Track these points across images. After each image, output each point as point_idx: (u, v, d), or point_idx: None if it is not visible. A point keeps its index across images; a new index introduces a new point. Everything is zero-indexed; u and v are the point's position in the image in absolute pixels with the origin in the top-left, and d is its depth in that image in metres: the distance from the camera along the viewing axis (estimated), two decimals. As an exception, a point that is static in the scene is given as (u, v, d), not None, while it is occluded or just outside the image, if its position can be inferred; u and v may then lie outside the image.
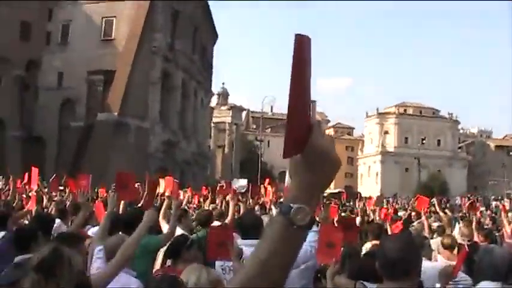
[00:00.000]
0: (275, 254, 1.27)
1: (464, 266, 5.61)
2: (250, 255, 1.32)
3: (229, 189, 15.41)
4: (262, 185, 17.97)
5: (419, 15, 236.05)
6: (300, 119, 1.28)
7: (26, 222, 9.08)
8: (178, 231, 7.96)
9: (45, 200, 11.17)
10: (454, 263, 6.49)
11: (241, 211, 9.81)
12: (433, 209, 17.36)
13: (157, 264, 6.91)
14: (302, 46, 1.27)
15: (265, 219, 6.49)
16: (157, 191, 8.53)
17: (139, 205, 11.54)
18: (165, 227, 7.78)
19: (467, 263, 5.58)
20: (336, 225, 7.31)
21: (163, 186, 12.34)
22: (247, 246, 5.00)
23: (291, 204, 1.29)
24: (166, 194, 9.15)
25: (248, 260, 1.33)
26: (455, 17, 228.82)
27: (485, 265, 4.33)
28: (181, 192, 14.79)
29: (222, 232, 7.38)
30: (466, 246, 5.33)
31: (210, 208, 12.49)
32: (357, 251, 6.59)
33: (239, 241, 5.19)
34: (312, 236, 4.96)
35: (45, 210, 10.71)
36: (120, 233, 5.76)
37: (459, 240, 8.59)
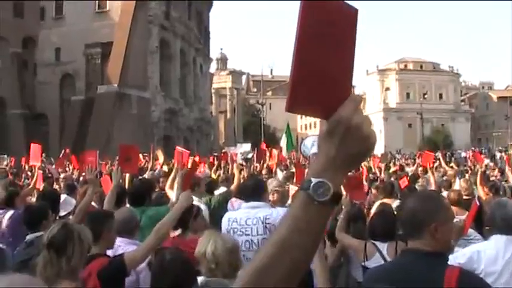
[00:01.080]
0: (295, 232, 1.19)
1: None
2: (272, 232, 1.27)
3: (228, 155, 15.49)
4: (266, 149, 17.99)
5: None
6: (319, 78, 1.20)
7: (33, 199, 9.13)
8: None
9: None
10: (462, 217, 6.49)
11: (245, 176, 9.76)
12: (438, 163, 17.31)
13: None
14: (308, 11, 1.17)
15: (273, 182, 6.50)
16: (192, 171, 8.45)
17: (144, 176, 11.63)
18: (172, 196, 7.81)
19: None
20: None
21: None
22: (249, 208, 5.04)
23: (312, 179, 1.20)
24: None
25: (269, 237, 1.28)
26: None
27: (497, 218, 4.32)
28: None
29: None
30: (476, 200, 5.28)
31: (215, 175, 12.53)
32: (362, 212, 6.61)
33: (243, 204, 5.21)
34: None
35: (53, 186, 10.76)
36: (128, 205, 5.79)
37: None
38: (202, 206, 7.68)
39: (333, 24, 1.20)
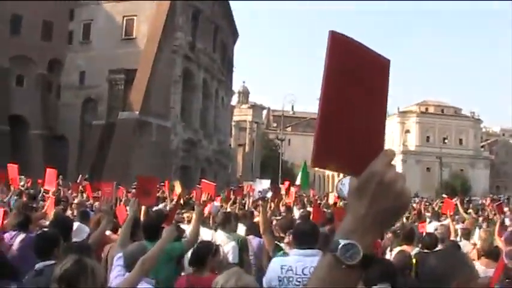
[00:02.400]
0: None
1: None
2: None
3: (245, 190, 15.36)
4: (282, 185, 17.85)
5: (439, 14, 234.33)
6: (347, 131, 1.14)
7: (46, 222, 9.10)
8: (221, 235, 7.88)
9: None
10: (491, 271, 6.32)
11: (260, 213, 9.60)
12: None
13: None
14: (336, 46, 1.12)
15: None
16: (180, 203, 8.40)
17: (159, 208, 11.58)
18: (202, 231, 7.71)
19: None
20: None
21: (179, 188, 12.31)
22: (302, 256, 4.88)
23: (340, 240, 1.13)
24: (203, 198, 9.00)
25: None
26: (476, 16, 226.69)
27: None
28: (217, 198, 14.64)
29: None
30: (504, 257, 5.13)
31: (229, 209, 12.45)
32: (374, 257, 6.43)
33: (295, 251, 5.03)
34: None
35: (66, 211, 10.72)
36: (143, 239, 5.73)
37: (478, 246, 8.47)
38: (232, 244, 7.56)
39: (362, 72, 1.16)
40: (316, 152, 1.11)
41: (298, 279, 4.73)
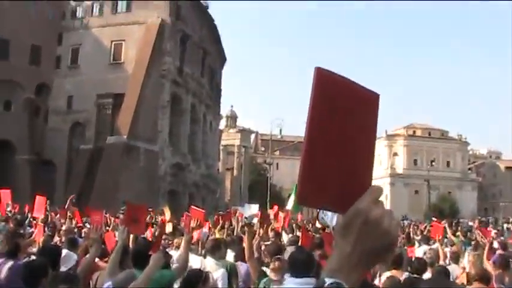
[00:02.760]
0: None
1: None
2: None
3: (233, 215, 15.35)
4: (271, 210, 17.80)
5: (424, 36, 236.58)
6: (332, 170, 1.13)
7: (34, 249, 9.04)
8: (210, 262, 7.87)
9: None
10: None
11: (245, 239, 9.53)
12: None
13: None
14: (322, 82, 1.12)
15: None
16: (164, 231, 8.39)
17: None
18: (191, 258, 7.70)
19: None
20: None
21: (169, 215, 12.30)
22: (299, 285, 4.83)
23: (326, 279, 1.10)
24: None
25: None
26: (462, 36, 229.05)
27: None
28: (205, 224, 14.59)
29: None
30: (494, 282, 5.14)
31: (219, 235, 12.43)
32: (367, 284, 6.43)
33: (290, 279, 5.01)
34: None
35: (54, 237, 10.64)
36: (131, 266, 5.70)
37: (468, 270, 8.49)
38: (221, 271, 7.55)
39: (349, 108, 1.15)
40: (301, 190, 1.11)
41: None
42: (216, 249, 8.10)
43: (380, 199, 1.14)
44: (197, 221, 8.30)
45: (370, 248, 1.11)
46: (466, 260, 10.39)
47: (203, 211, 10.65)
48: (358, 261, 1.11)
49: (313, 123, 1.11)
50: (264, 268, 7.07)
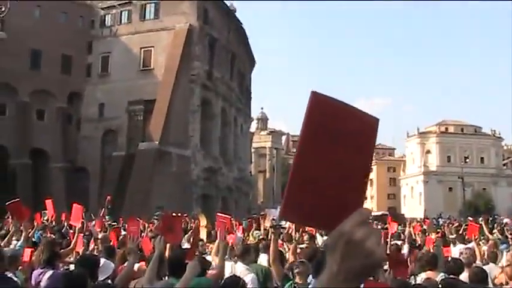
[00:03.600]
0: None
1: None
2: None
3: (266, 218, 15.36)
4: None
5: (457, 34, 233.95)
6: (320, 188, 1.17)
7: (71, 259, 9.15)
8: (240, 267, 7.92)
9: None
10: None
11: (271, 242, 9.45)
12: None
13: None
14: (317, 106, 1.17)
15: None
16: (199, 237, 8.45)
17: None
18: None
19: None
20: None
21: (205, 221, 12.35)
22: None
23: None
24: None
25: None
26: (493, 35, 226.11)
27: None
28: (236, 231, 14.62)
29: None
30: None
31: (252, 237, 12.45)
32: (407, 286, 6.39)
33: (314, 281, 5.05)
34: None
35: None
36: (166, 276, 5.76)
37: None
38: (251, 275, 7.59)
39: (344, 132, 1.19)
40: (284, 205, 1.16)
41: None
42: (245, 254, 8.15)
43: (366, 221, 1.18)
44: (226, 228, 8.37)
45: (355, 267, 1.16)
46: (504, 258, 10.23)
47: (229, 217, 10.68)
48: (345, 279, 1.16)
49: (304, 144, 1.17)
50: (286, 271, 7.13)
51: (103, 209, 20.02)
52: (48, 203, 11.70)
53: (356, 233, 1.15)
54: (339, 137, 1.18)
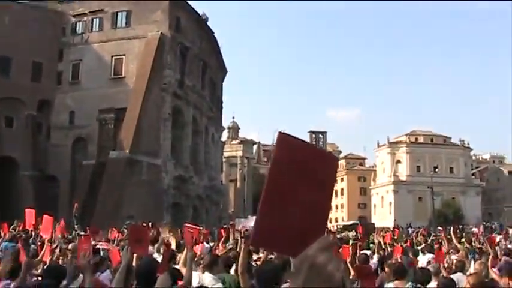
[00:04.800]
0: None
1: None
2: None
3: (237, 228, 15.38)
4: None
5: (426, 43, 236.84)
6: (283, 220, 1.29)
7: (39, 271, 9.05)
8: (208, 277, 7.93)
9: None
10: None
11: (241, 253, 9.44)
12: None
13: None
14: (283, 144, 1.32)
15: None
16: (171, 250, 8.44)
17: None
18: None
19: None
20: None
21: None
22: None
23: None
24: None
25: None
26: (461, 42, 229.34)
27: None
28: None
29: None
30: None
31: (225, 249, 12.43)
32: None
33: None
34: None
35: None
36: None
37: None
38: (218, 286, 7.60)
39: (307, 167, 1.32)
40: (254, 234, 1.29)
41: None
42: (213, 264, 8.18)
43: (328, 247, 1.28)
44: (193, 239, 8.38)
45: None
46: (472, 268, 10.35)
47: (198, 228, 10.72)
48: None
49: (271, 179, 1.30)
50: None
51: (75, 206, 19.83)
52: (29, 212, 11.53)
53: (318, 257, 1.24)
54: (304, 173, 1.31)
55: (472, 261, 11.69)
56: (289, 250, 1.31)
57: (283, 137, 1.31)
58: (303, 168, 1.31)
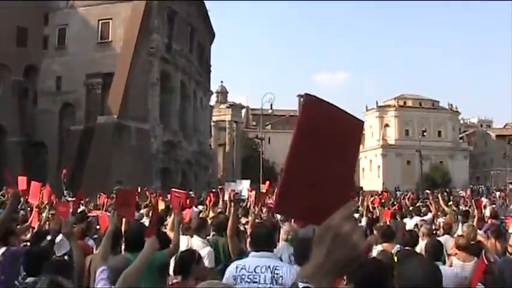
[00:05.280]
0: None
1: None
2: None
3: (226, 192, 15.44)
4: (263, 185, 17.79)
5: (415, 6, 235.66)
6: (305, 186, 1.25)
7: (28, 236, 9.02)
8: (196, 240, 7.96)
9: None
10: (470, 263, 6.38)
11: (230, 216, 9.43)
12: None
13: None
14: (310, 108, 1.27)
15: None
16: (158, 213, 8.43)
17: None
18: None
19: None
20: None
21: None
22: (258, 257, 5.00)
23: (299, 283, 1.25)
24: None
25: None
26: (453, 6, 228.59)
27: (507, 276, 4.22)
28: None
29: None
30: (484, 257, 5.12)
31: (213, 212, 12.47)
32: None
33: (253, 253, 5.12)
34: None
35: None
36: (123, 250, 5.72)
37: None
38: (207, 249, 7.63)
39: (334, 132, 1.29)
40: (278, 200, 1.26)
41: (249, 277, 4.87)
42: (202, 228, 8.22)
43: (352, 216, 1.27)
44: (180, 203, 8.39)
45: (340, 259, 1.24)
46: (460, 230, 10.44)
47: (184, 192, 10.73)
48: (329, 270, 1.24)
49: (297, 141, 1.25)
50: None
51: (63, 172, 19.80)
52: (21, 180, 11.42)
53: (343, 227, 1.22)
54: (329, 139, 1.27)
55: (460, 224, 11.79)
56: (312, 218, 1.28)
57: (310, 100, 1.26)
58: (329, 134, 1.27)
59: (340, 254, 1.22)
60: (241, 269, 4.94)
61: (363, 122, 1.33)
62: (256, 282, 4.82)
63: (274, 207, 1.30)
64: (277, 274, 4.81)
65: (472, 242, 7.87)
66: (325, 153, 1.26)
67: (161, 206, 12.58)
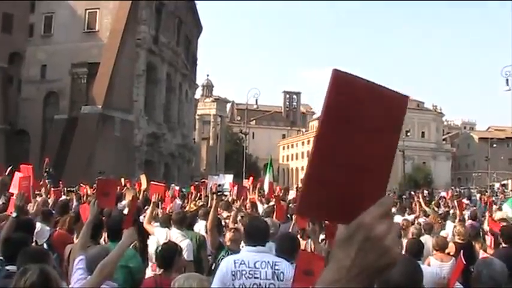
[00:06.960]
0: None
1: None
2: None
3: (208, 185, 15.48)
4: (247, 180, 17.80)
5: (404, 4, 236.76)
6: (332, 182, 1.02)
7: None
8: (175, 233, 7.99)
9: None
10: (447, 263, 6.45)
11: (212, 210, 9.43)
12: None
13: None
14: (338, 85, 1.01)
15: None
16: (136, 206, 8.40)
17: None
18: (157, 230, 8.08)
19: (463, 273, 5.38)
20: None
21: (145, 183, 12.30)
22: (255, 252, 4.98)
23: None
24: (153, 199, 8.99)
25: None
26: (439, 5, 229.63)
27: (484, 278, 4.24)
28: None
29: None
30: (462, 257, 5.13)
31: (195, 206, 12.46)
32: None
33: (248, 247, 5.10)
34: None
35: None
36: (103, 239, 5.70)
37: (455, 239, 8.64)
38: (186, 241, 7.66)
39: (368, 114, 1.04)
40: (301, 202, 1.04)
41: (250, 272, 4.82)
42: (181, 221, 8.24)
43: (388, 213, 1.06)
44: (158, 195, 8.38)
45: (370, 264, 1.05)
46: (448, 228, 10.64)
47: (163, 185, 10.71)
48: (357, 275, 1.04)
49: (323, 132, 1.03)
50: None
51: (46, 161, 19.67)
52: (18, 175, 11.25)
53: (377, 228, 1.03)
54: (363, 120, 1.04)
55: (448, 222, 12.00)
56: (342, 216, 1.05)
57: (338, 76, 1.01)
58: (362, 115, 1.03)
59: (370, 259, 1.03)
60: (241, 264, 4.88)
61: (407, 96, 1.08)
62: (257, 278, 4.79)
63: (296, 210, 1.07)
64: (277, 270, 4.80)
65: (461, 241, 8.03)
66: (359, 141, 1.03)
67: (128, 196, 12.35)
